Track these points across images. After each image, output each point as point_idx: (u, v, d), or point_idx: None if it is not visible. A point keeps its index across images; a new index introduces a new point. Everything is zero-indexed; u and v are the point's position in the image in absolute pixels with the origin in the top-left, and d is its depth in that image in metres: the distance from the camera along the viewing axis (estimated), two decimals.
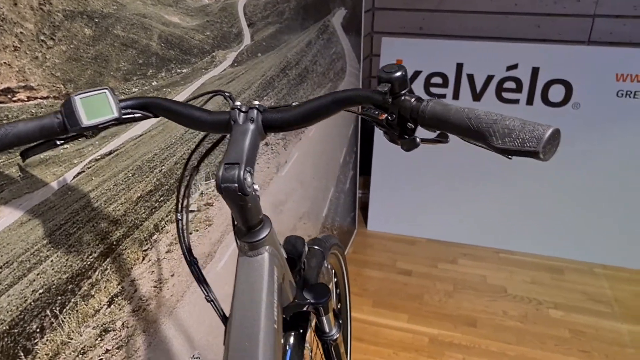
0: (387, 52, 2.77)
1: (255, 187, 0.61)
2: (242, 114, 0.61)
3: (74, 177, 0.75)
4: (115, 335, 0.89)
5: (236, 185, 0.56)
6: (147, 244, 0.95)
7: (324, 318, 0.83)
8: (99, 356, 0.85)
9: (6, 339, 0.66)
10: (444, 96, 2.78)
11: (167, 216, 1.00)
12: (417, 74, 2.77)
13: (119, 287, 0.88)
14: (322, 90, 1.97)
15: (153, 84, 0.90)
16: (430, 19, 3.16)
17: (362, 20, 2.51)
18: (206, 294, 0.72)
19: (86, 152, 0.77)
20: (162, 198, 0.98)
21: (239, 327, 0.62)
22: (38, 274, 0.70)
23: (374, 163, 2.99)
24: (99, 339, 0.85)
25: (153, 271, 0.98)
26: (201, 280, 0.72)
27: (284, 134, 1.60)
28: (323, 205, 2.23)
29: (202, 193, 1.13)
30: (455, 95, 2.76)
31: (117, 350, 0.90)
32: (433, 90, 2.79)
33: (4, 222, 0.64)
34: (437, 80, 2.77)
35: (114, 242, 0.86)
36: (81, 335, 0.80)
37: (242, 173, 0.56)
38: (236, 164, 0.56)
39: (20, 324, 0.68)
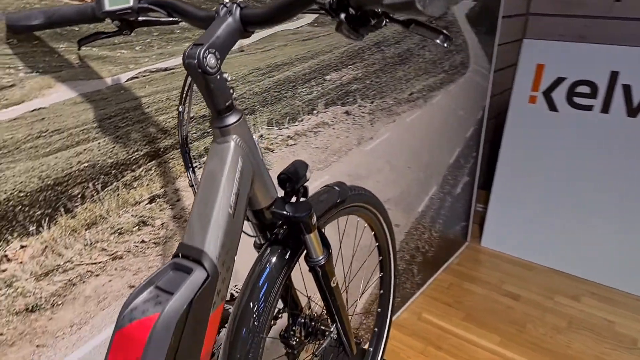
0: (527, 55, 2.56)
1: (225, 75, 0.68)
2: (224, 8, 0.68)
3: (128, 80, 0.90)
4: (152, 231, 1.03)
5: (195, 61, 0.62)
6: (195, 162, 1.07)
7: (306, 237, 0.84)
8: (135, 242, 1.00)
9: (50, 192, 0.83)
10: (590, 108, 2.45)
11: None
12: (559, 80, 2.50)
13: (162, 190, 1.02)
14: (432, 78, 1.93)
15: None
16: (594, 26, 2.84)
17: (498, 18, 2.38)
18: (190, 179, 0.80)
19: (142, 61, 0.92)
20: None
21: (197, 207, 0.68)
22: (85, 150, 0.86)
23: (497, 176, 2.78)
24: (137, 227, 0.99)
25: None
26: (189, 167, 0.80)
27: (371, 109, 1.62)
28: (419, 200, 2.16)
29: (262, 136, 1.23)
30: (605, 109, 2.42)
31: (154, 245, 1.04)
32: (577, 100, 2.48)
33: (59, 96, 0.81)
34: (583, 89, 2.46)
35: (161, 149, 1.00)
36: (119, 217, 0.95)
37: (202, 52, 0.62)
38: (201, 44, 0.63)
39: (64, 184, 0.84)
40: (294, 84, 1.28)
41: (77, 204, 0.87)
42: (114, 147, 0.91)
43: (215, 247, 0.66)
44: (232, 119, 0.70)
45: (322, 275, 0.88)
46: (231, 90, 0.70)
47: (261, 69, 1.17)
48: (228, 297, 1.16)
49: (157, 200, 1.02)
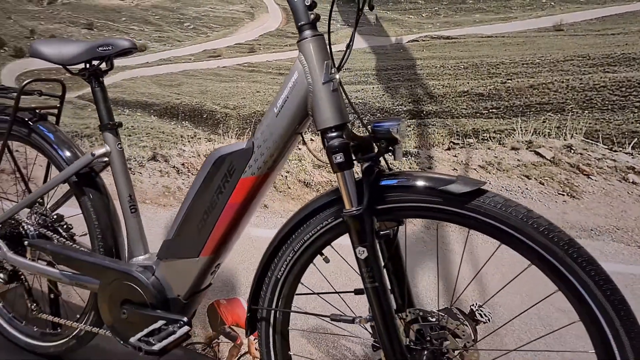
0: None
1: (306, 2, 0.78)
2: None
3: (409, 42, 1.05)
4: None
5: None
6: (457, 138, 1.04)
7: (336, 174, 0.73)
8: None
9: None
10: None
11: (495, 132, 0.99)
12: None
13: (415, 150, 1.09)
14: None
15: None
16: None
17: None
18: None
19: (425, 27, 1.02)
20: (494, 110, 0.99)
21: None
22: (362, 89, 1.13)
23: None
24: None
25: (455, 169, 1.06)
26: None
27: None
28: None
29: (570, 147, 0.93)
30: None
31: None
32: None
33: (356, 44, 1.11)
34: None
35: (423, 112, 1.06)
36: None
37: None
38: None
39: None
40: None
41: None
42: (383, 95, 1.10)
43: (257, 133, 0.83)
44: (300, 37, 0.78)
45: (350, 232, 0.75)
46: (311, 15, 0.78)
47: (591, 57, 0.88)
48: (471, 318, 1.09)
49: (409, 157, 1.10)
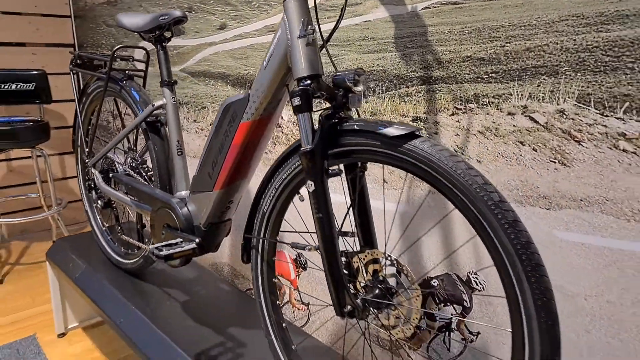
0: None
1: None
2: None
3: (422, 9, 1.09)
4: None
5: None
6: (460, 103, 1.05)
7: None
8: None
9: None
10: None
11: (494, 97, 0.99)
12: None
13: (425, 115, 1.13)
14: None
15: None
16: None
17: None
18: None
19: None
20: (494, 74, 0.99)
21: None
22: (382, 57, 1.20)
23: None
24: None
25: (458, 134, 1.07)
26: None
27: None
28: None
29: (562, 112, 0.90)
30: None
31: None
32: None
33: (379, 14, 1.18)
34: None
35: (432, 77, 1.10)
36: (389, 117, 1.21)
37: None
38: None
39: (373, 75, 1.24)
40: None
41: (368, 95, 1.25)
42: (399, 62, 1.16)
43: (253, 84, 0.98)
44: None
45: (303, 168, 0.86)
46: None
47: (584, 16, 0.84)
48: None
49: (418, 122, 1.15)
